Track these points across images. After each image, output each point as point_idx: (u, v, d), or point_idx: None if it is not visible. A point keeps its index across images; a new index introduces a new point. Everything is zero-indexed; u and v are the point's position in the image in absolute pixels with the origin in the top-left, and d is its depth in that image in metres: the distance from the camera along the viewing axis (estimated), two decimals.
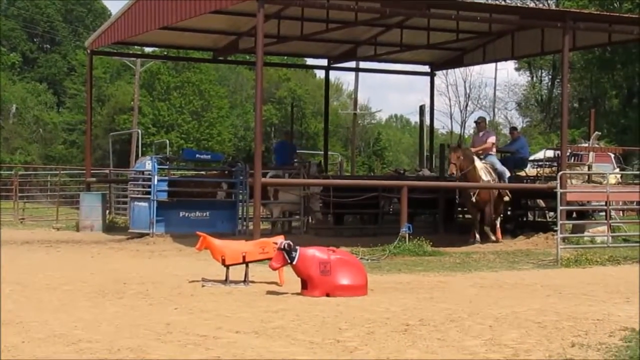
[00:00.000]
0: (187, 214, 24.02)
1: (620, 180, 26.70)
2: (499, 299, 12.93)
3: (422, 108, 36.01)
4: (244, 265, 14.19)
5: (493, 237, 23.17)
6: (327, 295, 12.82)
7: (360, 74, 55.58)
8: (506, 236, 24.05)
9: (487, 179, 23.39)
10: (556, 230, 19.99)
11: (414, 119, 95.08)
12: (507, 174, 23.88)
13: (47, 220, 31.53)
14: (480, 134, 24.87)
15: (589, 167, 26.11)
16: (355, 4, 22.75)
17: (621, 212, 30.08)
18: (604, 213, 22.75)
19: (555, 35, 25.65)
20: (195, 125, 73.00)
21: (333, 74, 78.43)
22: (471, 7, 24.09)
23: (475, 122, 26.31)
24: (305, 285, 13.08)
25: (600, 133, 31.22)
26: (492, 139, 24.26)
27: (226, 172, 26.41)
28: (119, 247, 21.99)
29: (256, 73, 21.34)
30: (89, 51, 30.26)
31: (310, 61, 42.22)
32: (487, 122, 26.06)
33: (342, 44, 31.72)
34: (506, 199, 24.03)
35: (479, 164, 23.45)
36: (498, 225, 23.94)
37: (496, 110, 70.61)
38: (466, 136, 61.59)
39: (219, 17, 26.47)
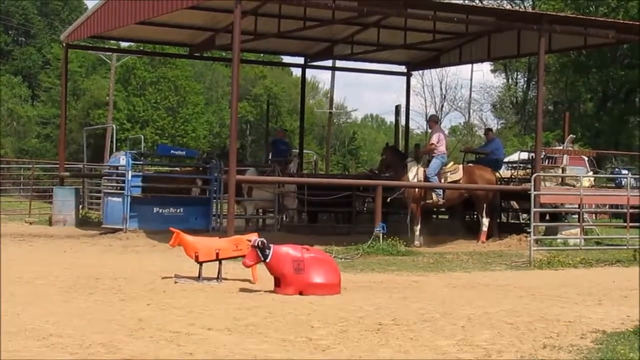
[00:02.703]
0: (160, 210, 23.95)
1: (593, 183, 26.83)
2: (472, 300, 12.96)
3: (397, 108, 36.02)
4: (217, 262, 14.17)
5: (416, 242, 22.95)
6: (300, 293, 12.81)
7: (337, 72, 55.51)
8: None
9: (414, 180, 23.40)
10: (529, 232, 20.06)
11: (390, 118, 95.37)
12: (433, 179, 23.50)
13: (20, 214, 31.33)
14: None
15: (563, 170, 26.21)
16: (333, 3, 22.74)
17: (594, 215, 30.25)
18: (577, 215, 22.86)
19: (531, 37, 25.73)
20: (171, 121, 72.84)
21: (309, 72, 78.28)
22: (448, 7, 24.13)
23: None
24: (278, 283, 13.07)
25: (574, 136, 31.35)
26: (432, 139, 24.10)
27: (200, 168, 26.36)
28: (92, 242, 21.90)
29: (232, 70, 21.31)
30: (64, 45, 30.10)
31: (286, 59, 42.30)
32: (436, 120, 25.77)
33: (319, 42, 31.71)
34: (429, 200, 23.73)
35: (412, 164, 23.61)
36: (485, 229, 23.74)
37: (471, 111, 70.85)
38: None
39: (196, 13, 26.41)
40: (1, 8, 78.25)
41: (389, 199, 23.58)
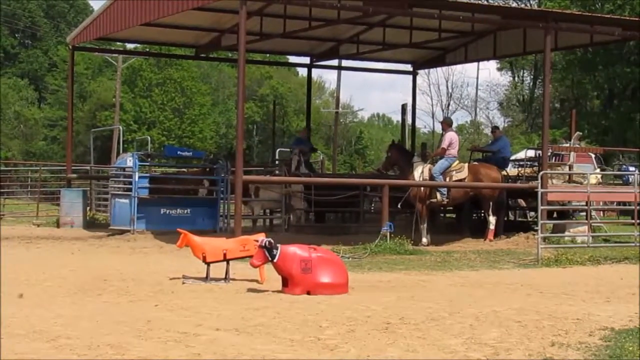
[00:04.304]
0: (168, 211, 23.99)
1: (600, 180, 26.79)
2: (480, 298, 12.94)
3: (404, 107, 35.98)
4: (225, 262, 14.17)
5: (424, 240, 22.95)
6: (308, 293, 12.81)
7: (343, 72, 55.55)
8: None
9: (418, 179, 23.37)
10: (537, 230, 20.04)
11: (396, 117, 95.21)
12: (438, 178, 23.40)
13: (28, 216, 31.40)
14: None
15: (570, 167, 26.17)
16: (338, 2, 22.75)
17: (602, 212, 30.22)
18: (584, 213, 22.83)
19: (537, 35, 25.71)
20: (177, 122, 72.90)
21: (315, 72, 78.45)
22: (453, 6, 24.11)
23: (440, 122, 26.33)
24: (286, 283, 13.07)
25: (581, 133, 31.33)
26: (443, 143, 24.02)
27: (207, 169, 26.37)
28: (100, 244, 21.92)
29: (238, 70, 21.34)
30: (70, 47, 30.18)
31: (292, 59, 42.36)
32: (449, 123, 25.60)
33: (325, 42, 31.72)
34: (434, 199, 23.65)
35: (417, 163, 23.61)
36: (492, 227, 23.65)
37: (478, 110, 70.80)
38: None
39: (202, 14, 26.44)
40: (7, 11, 78.37)
41: (399, 205, 23.57)
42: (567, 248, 20.41)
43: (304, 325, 10.34)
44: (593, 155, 32.01)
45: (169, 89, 73.29)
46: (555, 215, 25.21)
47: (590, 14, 33.25)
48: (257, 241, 13.30)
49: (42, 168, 39.49)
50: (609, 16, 30.13)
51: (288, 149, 28.69)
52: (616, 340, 9.51)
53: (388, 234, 21.06)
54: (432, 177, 23.35)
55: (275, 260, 12.95)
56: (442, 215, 28.53)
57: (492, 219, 23.59)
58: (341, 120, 76.58)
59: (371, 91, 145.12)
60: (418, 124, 53.93)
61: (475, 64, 60.56)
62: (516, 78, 67.31)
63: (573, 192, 23.71)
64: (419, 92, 60.26)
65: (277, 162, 31.40)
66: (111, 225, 24.71)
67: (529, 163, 27.38)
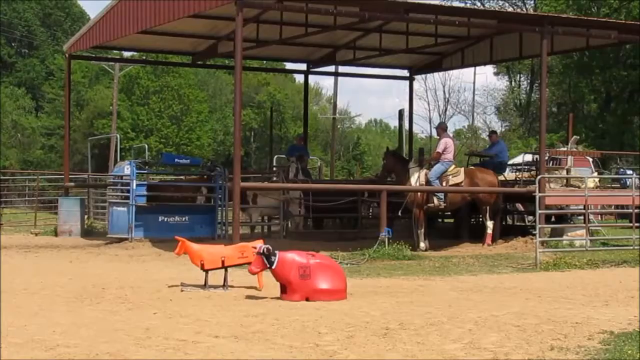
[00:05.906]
0: (166, 219, 23.97)
1: (598, 184, 26.78)
2: (479, 303, 12.94)
3: (401, 112, 36.00)
4: (223, 269, 14.17)
5: (422, 245, 22.94)
6: (307, 299, 12.81)
7: (340, 78, 55.51)
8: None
9: (415, 184, 23.36)
10: (535, 234, 20.03)
11: (393, 123, 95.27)
12: (434, 183, 23.38)
13: (26, 225, 31.36)
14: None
15: (568, 171, 26.17)
16: (334, 8, 22.75)
17: (599, 215, 30.22)
18: (582, 217, 22.83)
19: (534, 39, 25.72)
20: (175, 129, 72.90)
21: (312, 78, 78.42)
22: (450, 11, 24.15)
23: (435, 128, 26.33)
24: (284, 289, 13.07)
25: (578, 137, 31.32)
26: (438, 148, 23.97)
27: (205, 176, 26.36)
28: (98, 252, 21.91)
29: (235, 77, 21.34)
30: (67, 55, 30.16)
31: (289, 65, 42.25)
32: (444, 128, 25.46)
33: (321, 48, 31.72)
34: (431, 204, 23.59)
35: (414, 169, 23.59)
36: (490, 232, 23.61)
37: (475, 114, 70.84)
38: None
39: (198, 21, 26.42)
40: (4, 20, 78.33)
41: (400, 211, 23.54)
42: (565, 252, 20.41)
43: (302, 331, 10.34)
44: (590, 159, 32.02)
45: (166, 96, 73.28)
46: (553, 219, 25.20)
47: (586, 18, 33.24)
48: (255, 248, 13.30)
49: (40, 177, 39.47)
50: (605, 20, 30.11)
51: (284, 156, 28.59)
52: (615, 344, 9.51)
53: (386, 239, 21.05)
54: (428, 182, 23.35)
55: (273, 267, 12.95)
56: (440, 220, 28.52)
57: (489, 224, 23.57)
58: (338, 126, 76.67)
59: (368, 97, 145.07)
60: (415, 129, 54.03)
61: (472, 68, 60.62)
62: (513, 82, 67.34)
63: (571, 196, 23.71)
64: (416, 98, 59.96)
65: (274, 168, 31.38)
66: (109, 233, 24.68)
67: (526, 167, 27.37)
